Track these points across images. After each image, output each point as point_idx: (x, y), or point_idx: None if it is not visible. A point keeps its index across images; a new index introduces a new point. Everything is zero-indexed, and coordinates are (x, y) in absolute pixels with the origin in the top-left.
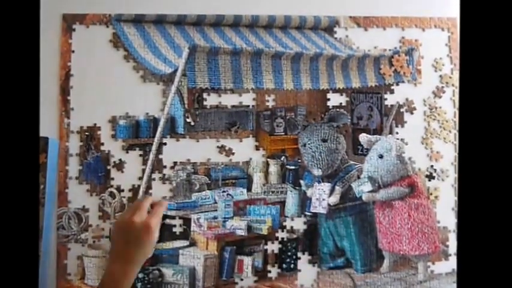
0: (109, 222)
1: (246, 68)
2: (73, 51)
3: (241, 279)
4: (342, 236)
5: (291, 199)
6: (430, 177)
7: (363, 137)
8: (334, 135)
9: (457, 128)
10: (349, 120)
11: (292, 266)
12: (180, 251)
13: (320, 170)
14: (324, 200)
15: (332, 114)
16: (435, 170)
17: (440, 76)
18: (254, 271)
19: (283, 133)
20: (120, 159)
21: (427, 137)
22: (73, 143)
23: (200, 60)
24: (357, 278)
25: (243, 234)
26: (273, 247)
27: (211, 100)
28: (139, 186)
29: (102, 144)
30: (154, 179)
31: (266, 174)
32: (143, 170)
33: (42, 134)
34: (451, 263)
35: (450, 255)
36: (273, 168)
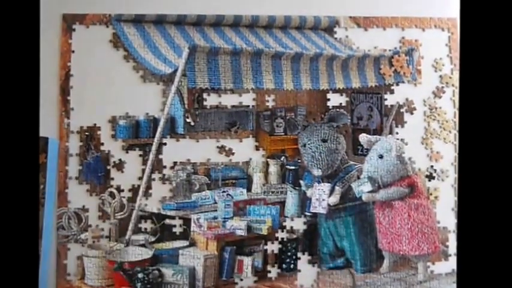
0: (109, 223)
1: (246, 68)
2: (73, 51)
3: (241, 279)
4: (342, 236)
5: (291, 199)
6: (430, 177)
7: (363, 137)
8: (334, 136)
9: (457, 128)
10: (349, 121)
11: (292, 266)
12: (180, 251)
13: (320, 170)
14: (323, 200)
15: (332, 115)
16: (435, 170)
17: (440, 76)
18: (254, 271)
19: (283, 133)
20: (120, 159)
21: (427, 137)
22: (73, 143)
23: (200, 60)
24: (356, 278)
25: (242, 234)
26: (272, 247)
27: (211, 100)
28: (139, 186)
29: (102, 144)
30: (154, 179)
31: (266, 174)
32: (143, 170)
33: (42, 134)
34: (451, 263)
35: (450, 255)
36: (273, 168)
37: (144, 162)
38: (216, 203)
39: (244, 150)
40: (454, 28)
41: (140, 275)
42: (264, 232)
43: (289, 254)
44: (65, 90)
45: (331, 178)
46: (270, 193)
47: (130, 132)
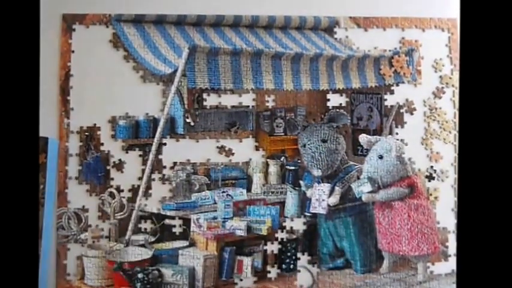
0: (108, 223)
1: (246, 68)
2: (73, 51)
3: (241, 280)
4: (342, 237)
5: (291, 199)
6: (430, 177)
7: (363, 138)
8: (334, 136)
9: (457, 128)
10: (349, 121)
11: (291, 266)
12: (180, 251)
13: (320, 170)
14: (323, 200)
15: (332, 115)
16: (435, 170)
17: (440, 77)
18: (254, 271)
19: (283, 133)
20: (119, 160)
21: (427, 137)
22: (73, 143)
23: (200, 60)
24: (356, 278)
25: (242, 234)
26: (272, 247)
27: (211, 100)
28: (139, 186)
29: (102, 144)
30: (154, 179)
31: (266, 174)
32: (143, 170)
33: (42, 134)
34: (451, 264)
35: (450, 255)
36: (273, 168)
37: (144, 163)
38: (215, 203)
39: (244, 150)
40: (454, 28)
41: (140, 275)
42: (264, 232)
43: (288, 254)
44: (64, 90)
45: (331, 178)
46: (270, 193)
47: (130, 133)
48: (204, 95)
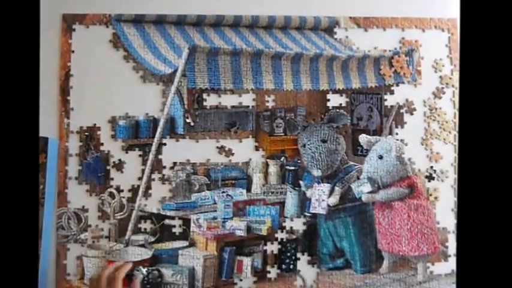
0: (108, 223)
1: (245, 68)
2: (73, 52)
3: (241, 280)
4: (342, 237)
5: (291, 200)
6: (430, 178)
7: (363, 138)
8: (334, 136)
9: (457, 129)
10: (349, 121)
11: (291, 266)
12: (180, 252)
13: (320, 170)
14: (323, 200)
15: (332, 115)
16: (435, 170)
17: (440, 77)
18: (253, 272)
19: (282, 134)
20: (119, 160)
21: (427, 137)
22: (73, 143)
23: (200, 60)
24: (356, 278)
25: (242, 234)
26: (272, 248)
27: (211, 100)
28: (138, 186)
29: (102, 144)
30: (153, 180)
31: (266, 174)
32: (143, 171)
33: (42, 134)
34: (451, 264)
35: (450, 256)
36: (273, 168)
37: (144, 163)
38: (215, 203)
39: (244, 150)
40: (454, 29)
41: (140, 276)
42: (264, 232)
43: (288, 254)
44: (64, 90)
45: (331, 179)
46: (270, 193)
47: (130, 133)
48: (204, 95)
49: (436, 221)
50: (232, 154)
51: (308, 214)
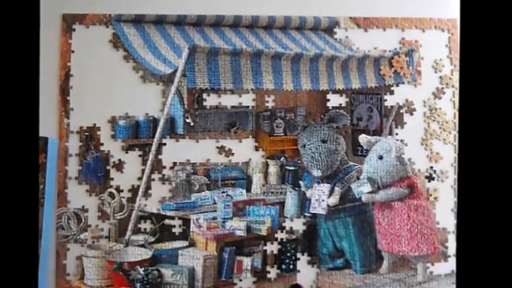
0: (108, 223)
1: (245, 68)
2: (73, 52)
3: (240, 280)
4: (341, 237)
5: (291, 200)
6: (430, 178)
7: (363, 138)
8: (334, 136)
9: (457, 129)
10: (349, 121)
11: (291, 266)
12: (180, 252)
13: (319, 170)
14: (323, 200)
15: (332, 115)
16: (435, 171)
17: (440, 77)
18: (253, 272)
19: (282, 134)
20: (119, 160)
21: (426, 138)
22: (73, 143)
23: (200, 60)
24: (356, 278)
25: (242, 234)
26: (272, 248)
27: (210, 101)
28: (138, 186)
29: (102, 144)
30: (153, 180)
31: (265, 174)
32: (143, 171)
33: (42, 134)
34: (451, 264)
35: (449, 256)
36: (273, 168)
37: (144, 163)
38: (215, 203)
39: (244, 150)
40: (454, 29)
41: (140, 276)
42: (264, 233)
43: (288, 254)
44: (64, 90)
45: (331, 179)
46: (270, 194)
47: (130, 133)
48: (204, 95)
49: (436, 221)
50: (232, 154)
51: (308, 214)
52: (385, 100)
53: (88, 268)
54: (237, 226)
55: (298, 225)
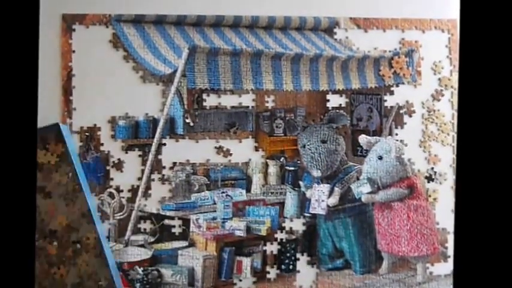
0: (108, 223)
1: (245, 68)
2: (73, 52)
3: (240, 280)
4: (341, 237)
5: (290, 200)
6: (430, 178)
7: (363, 138)
8: (334, 137)
9: (456, 130)
10: (349, 122)
11: (291, 267)
12: (179, 252)
13: (319, 171)
14: (323, 201)
15: (332, 116)
16: (435, 172)
17: (439, 79)
18: (253, 272)
19: (282, 134)
20: (119, 160)
21: (425, 140)
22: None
23: (200, 60)
24: (355, 279)
25: (242, 235)
26: (272, 248)
27: (210, 101)
28: (138, 186)
29: (102, 144)
30: (153, 180)
31: (265, 175)
32: (142, 171)
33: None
34: (450, 265)
35: (449, 256)
36: (272, 169)
37: (144, 163)
38: (215, 203)
39: (244, 151)
40: (454, 29)
41: (139, 276)
42: (263, 233)
43: (288, 254)
44: (67, 91)
45: (331, 179)
46: (269, 194)
47: (129, 133)
48: (204, 96)
49: (436, 221)
50: (232, 154)
51: (308, 214)
52: (385, 100)
53: None
54: (237, 226)
55: (298, 225)
